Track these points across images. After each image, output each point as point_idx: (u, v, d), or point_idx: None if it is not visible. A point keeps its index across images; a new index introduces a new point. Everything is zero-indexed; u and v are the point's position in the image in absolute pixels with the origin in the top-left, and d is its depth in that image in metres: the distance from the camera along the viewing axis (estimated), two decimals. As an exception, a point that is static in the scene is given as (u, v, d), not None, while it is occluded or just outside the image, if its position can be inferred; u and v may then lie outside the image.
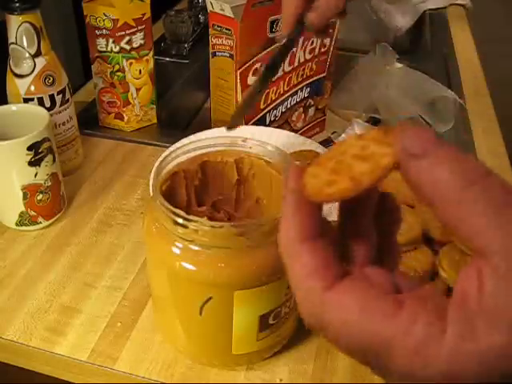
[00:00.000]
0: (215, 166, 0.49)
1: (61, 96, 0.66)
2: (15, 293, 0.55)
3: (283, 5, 0.48)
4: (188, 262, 0.40)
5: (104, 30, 0.72)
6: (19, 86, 0.63)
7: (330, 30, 0.70)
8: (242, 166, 0.49)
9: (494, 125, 0.86)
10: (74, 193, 0.68)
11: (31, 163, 0.57)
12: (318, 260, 0.22)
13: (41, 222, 0.62)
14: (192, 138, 0.69)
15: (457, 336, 0.19)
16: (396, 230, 0.26)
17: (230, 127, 0.45)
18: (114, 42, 0.72)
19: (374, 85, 0.91)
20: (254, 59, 0.68)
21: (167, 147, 0.68)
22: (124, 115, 0.79)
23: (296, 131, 0.79)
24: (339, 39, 0.79)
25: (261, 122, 0.74)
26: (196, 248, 0.40)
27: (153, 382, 0.47)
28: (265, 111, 0.74)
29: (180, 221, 0.38)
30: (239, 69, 0.68)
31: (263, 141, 0.47)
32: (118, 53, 0.73)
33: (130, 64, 0.75)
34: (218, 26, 0.67)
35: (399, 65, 0.95)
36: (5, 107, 0.61)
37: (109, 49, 0.73)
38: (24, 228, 0.61)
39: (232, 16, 0.64)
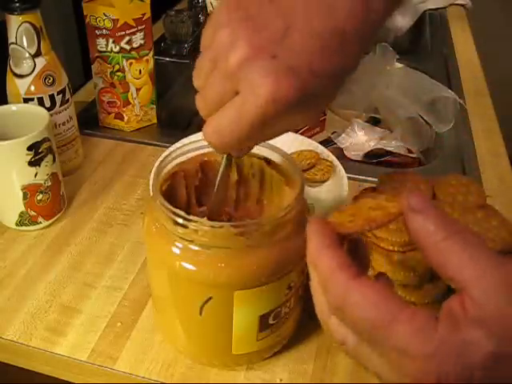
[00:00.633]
0: (215, 166, 0.48)
1: (61, 96, 0.66)
2: (15, 293, 0.55)
3: None
4: (188, 262, 0.40)
5: (104, 30, 0.72)
6: (19, 86, 0.63)
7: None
8: (242, 166, 0.49)
9: (494, 125, 0.86)
10: (74, 193, 0.68)
11: (31, 163, 0.57)
12: (341, 259, 0.28)
13: (41, 222, 0.62)
14: (192, 137, 0.69)
15: (445, 330, 0.25)
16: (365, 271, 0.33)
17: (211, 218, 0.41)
18: (113, 42, 0.72)
19: (374, 85, 0.91)
20: (254, 59, 0.68)
21: (167, 147, 0.68)
22: (124, 115, 0.79)
23: (296, 131, 0.79)
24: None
25: (261, 122, 0.74)
26: (196, 248, 0.40)
27: (153, 382, 0.47)
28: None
29: (180, 221, 0.38)
30: (239, 69, 0.68)
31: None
32: (117, 53, 0.73)
33: (130, 64, 0.75)
34: (217, 26, 0.67)
35: (399, 65, 0.95)
36: (5, 107, 0.61)
37: (109, 49, 0.73)
38: (24, 228, 0.61)
39: (232, 16, 0.64)
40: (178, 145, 0.68)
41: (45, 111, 0.60)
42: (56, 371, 0.50)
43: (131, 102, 0.78)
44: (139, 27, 0.73)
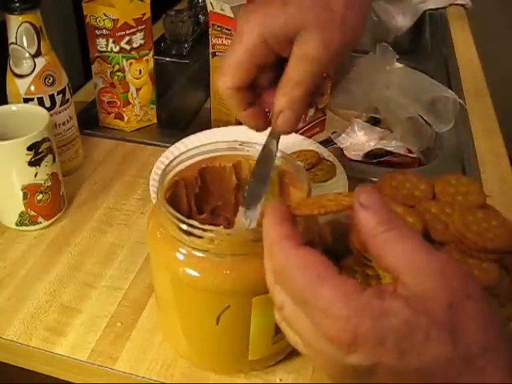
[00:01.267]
0: (214, 172, 0.48)
1: (61, 96, 0.66)
2: (15, 293, 0.55)
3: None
4: (196, 271, 0.39)
5: (104, 30, 0.72)
6: (19, 86, 0.63)
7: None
8: (241, 170, 0.49)
9: (494, 125, 0.86)
10: (74, 193, 0.68)
11: (31, 163, 0.57)
12: (288, 230, 0.32)
13: (41, 222, 0.62)
14: (192, 137, 0.69)
15: (369, 296, 0.27)
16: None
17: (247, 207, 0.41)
18: (113, 42, 0.72)
19: (374, 85, 0.91)
20: (254, 59, 0.68)
21: (167, 147, 0.68)
22: (124, 115, 0.79)
23: (296, 131, 0.79)
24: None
25: (261, 122, 0.74)
26: (213, 257, 0.39)
27: (153, 382, 0.47)
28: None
29: (197, 232, 0.38)
30: (239, 69, 0.68)
31: (260, 142, 0.47)
32: (117, 53, 0.73)
33: (130, 64, 0.75)
34: (218, 26, 0.67)
35: (399, 65, 0.95)
36: (5, 107, 0.61)
37: (109, 49, 0.73)
38: (24, 228, 0.61)
39: (232, 16, 0.64)
40: (177, 145, 0.68)
41: (45, 111, 0.60)
42: (56, 371, 0.51)
43: (131, 102, 0.78)
44: (139, 27, 0.73)
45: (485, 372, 0.26)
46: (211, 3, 0.66)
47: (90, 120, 0.81)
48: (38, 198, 0.59)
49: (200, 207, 0.49)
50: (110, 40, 0.72)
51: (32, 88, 0.63)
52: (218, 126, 0.72)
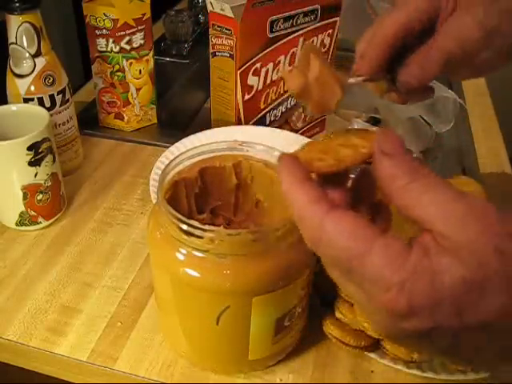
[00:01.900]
0: (214, 172, 0.48)
1: (61, 96, 0.66)
2: (15, 293, 0.55)
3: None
4: (196, 271, 0.39)
5: (104, 30, 0.72)
6: (19, 86, 0.63)
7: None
8: (240, 170, 0.49)
9: (494, 125, 0.86)
10: (74, 193, 0.68)
11: (31, 163, 0.57)
12: (314, 192, 0.28)
13: (41, 222, 0.62)
14: (192, 137, 0.69)
15: (417, 257, 0.25)
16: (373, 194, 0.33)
17: None
18: (113, 42, 0.72)
19: (374, 85, 0.90)
20: (254, 59, 0.68)
21: (167, 147, 0.68)
22: (124, 115, 0.79)
23: (296, 131, 0.79)
24: (339, 39, 0.79)
25: (261, 122, 0.74)
26: (213, 257, 0.39)
27: (153, 381, 0.47)
28: (265, 111, 0.74)
29: (197, 232, 0.38)
30: (239, 69, 0.68)
31: (261, 142, 0.47)
32: (117, 53, 0.73)
33: (130, 64, 0.75)
34: (218, 26, 0.67)
35: (399, 65, 0.95)
36: (5, 107, 0.61)
37: (109, 49, 0.73)
38: (24, 228, 0.61)
39: (232, 16, 0.64)
40: (177, 145, 0.68)
41: (45, 111, 0.60)
42: (56, 371, 0.51)
43: (131, 102, 0.78)
44: (139, 27, 0.73)
45: None
46: (211, 3, 0.66)
47: (89, 120, 0.81)
48: (38, 198, 0.59)
49: (200, 207, 0.49)
50: (110, 40, 0.72)
51: (32, 88, 0.63)
52: (218, 126, 0.72)
